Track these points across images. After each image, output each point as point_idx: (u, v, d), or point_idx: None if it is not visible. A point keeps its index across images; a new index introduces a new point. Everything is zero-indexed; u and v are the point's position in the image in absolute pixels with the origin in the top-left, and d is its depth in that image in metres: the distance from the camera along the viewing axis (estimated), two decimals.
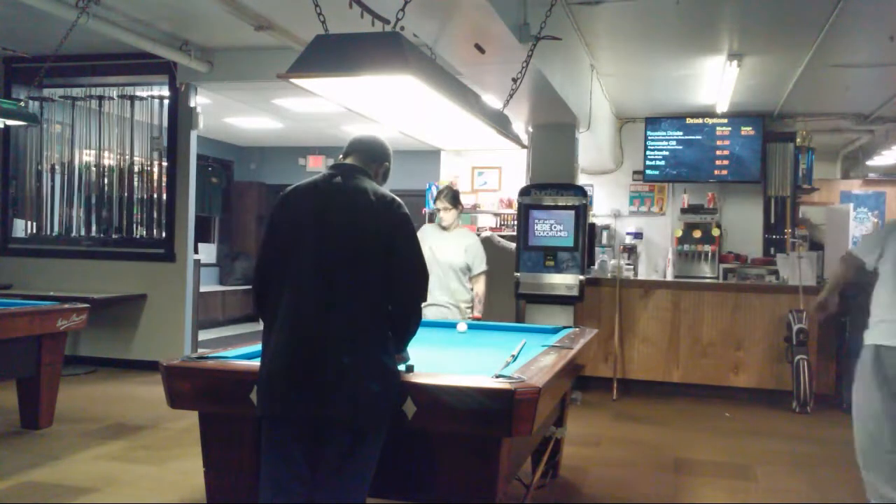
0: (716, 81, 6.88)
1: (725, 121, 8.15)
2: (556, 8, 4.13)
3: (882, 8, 5.03)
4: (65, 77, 7.07)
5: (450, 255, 4.86)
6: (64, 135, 7.39)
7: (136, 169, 7.21)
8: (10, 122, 5.17)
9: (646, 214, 8.83)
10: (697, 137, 8.28)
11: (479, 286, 4.92)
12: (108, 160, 7.27)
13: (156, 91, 7.14)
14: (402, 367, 2.39)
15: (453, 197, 4.96)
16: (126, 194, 7.20)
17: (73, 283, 6.95)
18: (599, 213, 8.80)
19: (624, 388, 6.55)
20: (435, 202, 4.96)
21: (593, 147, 7.33)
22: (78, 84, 7.29)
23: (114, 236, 7.17)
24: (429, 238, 4.80)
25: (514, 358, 2.90)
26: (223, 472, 2.59)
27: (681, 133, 8.31)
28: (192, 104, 6.97)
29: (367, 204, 2.31)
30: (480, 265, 4.95)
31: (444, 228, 4.95)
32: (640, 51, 6.24)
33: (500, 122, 3.76)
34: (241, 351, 2.86)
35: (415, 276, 2.36)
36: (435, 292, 4.63)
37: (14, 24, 6.15)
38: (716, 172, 8.22)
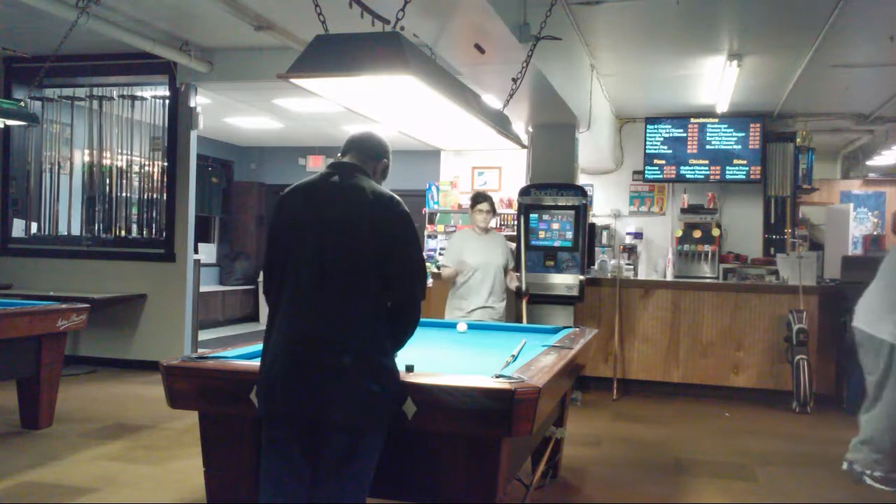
0: (716, 81, 6.87)
1: (726, 121, 8.15)
2: (556, 8, 4.13)
3: (882, 8, 5.04)
4: (65, 77, 7.07)
5: (495, 256, 5.14)
6: (64, 135, 7.39)
7: (136, 169, 7.21)
8: (10, 122, 5.19)
9: (646, 214, 8.83)
10: (697, 137, 8.28)
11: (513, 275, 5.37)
12: (108, 160, 7.26)
13: (156, 91, 7.13)
14: (402, 368, 2.39)
15: (493, 202, 5.30)
16: (126, 194, 7.20)
17: (73, 283, 6.95)
18: (599, 213, 8.80)
19: (624, 388, 6.55)
20: (475, 206, 5.14)
21: (593, 147, 7.33)
22: (78, 84, 7.29)
23: (113, 236, 7.17)
24: (472, 243, 5.13)
25: (514, 358, 2.90)
26: (223, 472, 2.59)
27: (681, 133, 8.31)
28: (192, 104, 6.97)
29: (365, 203, 2.29)
30: (513, 260, 5.41)
31: (485, 231, 5.24)
32: (640, 51, 6.24)
33: (500, 122, 3.76)
34: (241, 351, 2.86)
35: (414, 275, 2.34)
36: (485, 294, 4.94)
37: (14, 24, 6.15)
38: (716, 172, 8.22)
